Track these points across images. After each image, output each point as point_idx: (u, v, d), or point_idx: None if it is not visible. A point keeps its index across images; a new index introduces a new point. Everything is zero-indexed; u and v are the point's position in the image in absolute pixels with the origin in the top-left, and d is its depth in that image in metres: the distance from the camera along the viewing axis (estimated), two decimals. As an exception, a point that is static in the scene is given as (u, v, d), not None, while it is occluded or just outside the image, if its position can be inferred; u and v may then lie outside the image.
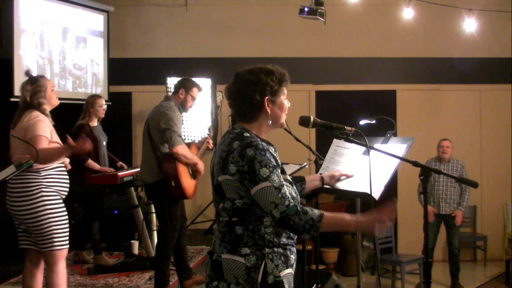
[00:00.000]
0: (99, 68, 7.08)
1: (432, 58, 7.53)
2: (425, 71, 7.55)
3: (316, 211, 2.08)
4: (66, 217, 3.68)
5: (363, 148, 2.66)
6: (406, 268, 6.05)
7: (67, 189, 3.74)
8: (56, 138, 3.69)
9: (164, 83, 6.65)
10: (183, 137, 4.51)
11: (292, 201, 2.09)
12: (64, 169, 3.74)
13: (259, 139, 2.18)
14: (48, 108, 3.72)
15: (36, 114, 3.63)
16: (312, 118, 2.48)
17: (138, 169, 5.57)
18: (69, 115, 5.92)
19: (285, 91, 2.27)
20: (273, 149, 2.20)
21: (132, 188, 5.68)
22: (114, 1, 7.10)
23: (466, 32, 6.80)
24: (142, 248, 5.72)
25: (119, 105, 7.24)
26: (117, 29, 7.31)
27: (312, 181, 2.57)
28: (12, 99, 5.92)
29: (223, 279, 2.13)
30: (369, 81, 7.49)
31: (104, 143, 5.70)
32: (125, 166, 5.78)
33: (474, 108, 7.57)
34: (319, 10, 5.69)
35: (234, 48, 7.35)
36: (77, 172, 5.52)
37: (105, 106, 5.70)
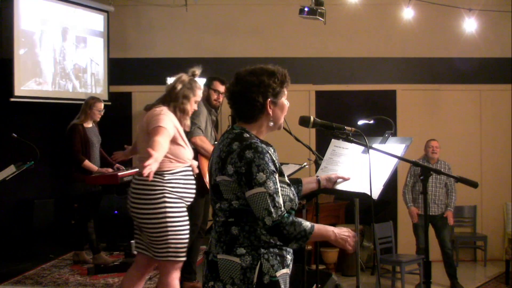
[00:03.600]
0: (99, 68, 7.08)
1: (432, 58, 7.53)
2: (425, 71, 7.55)
3: (308, 223, 2.10)
4: (187, 227, 3.40)
5: (361, 148, 2.66)
6: (406, 268, 6.04)
7: (192, 195, 3.49)
8: (184, 139, 3.49)
9: (164, 83, 6.63)
10: (213, 139, 4.69)
11: (284, 210, 2.08)
12: (190, 173, 3.50)
13: (258, 140, 2.17)
14: (186, 109, 3.49)
15: (163, 110, 3.42)
16: (312, 118, 2.48)
17: (138, 169, 5.58)
18: (69, 115, 5.92)
19: (286, 92, 2.27)
20: (272, 150, 2.19)
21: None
22: (114, 1, 7.10)
23: (466, 32, 6.79)
24: (142, 248, 5.71)
25: (119, 105, 7.24)
26: (117, 29, 7.31)
27: (308, 183, 2.56)
28: (12, 99, 5.93)
29: (219, 279, 2.13)
30: (369, 81, 7.49)
31: (97, 145, 5.70)
32: (121, 167, 5.78)
33: (474, 108, 7.57)
34: (319, 10, 5.68)
35: (234, 48, 7.35)
36: (71, 173, 5.53)
37: (103, 111, 5.70)
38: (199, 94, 3.59)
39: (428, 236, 5.90)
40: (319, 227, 2.14)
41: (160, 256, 3.37)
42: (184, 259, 3.43)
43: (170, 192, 3.34)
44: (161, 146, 3.15)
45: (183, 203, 3.41)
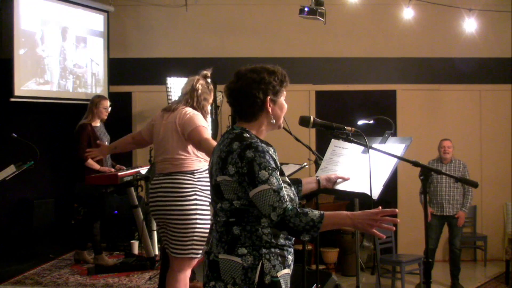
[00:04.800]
0: (99, 68, 7.08)
1: (432, 58, 7.53)
2: (425, 71, 7.55)
3: (316, 212, 2.07)
4: (209, 225, 3.54)
5: (361, 148, 2.66)
6: (406, 268, 6.05)
7: None
8: None
9: (164, 83, 6.65)
10: None
11: (289, 203, 2.09)
12: None
13: (258, 140, 2.18)
14: (207, 110, 3.68)
15: (195, 111, 3.59)
16: (312, 118, 2.48)
17: (138, 169, 5.59)
18: (69, 115, 5.93)
19: (285, 93, 2.27)
20: (272, 150, 2.19)
21: (132, 188, 5.68)
22: (114, 1, 7.10)
23: (466, 32, 6.80)
24: (142, 248, 5.72)
25: (119, 105, 7.22)
26: (117, 29, 7.31)
27: (308, 183, 2.56)
28: (12, 99, 5.93)
29: (220, 279, 2.13)
30: (369, 81, 7.49)
31: (106, 143, 5.71)
32: (123, 167, 5.78)
33: (474, 108, 7.57)
34: (319, 10, 5.69)
35: (234, 48, 7.35)
36: (78, 172, 5.53)
37: (109, 108, 5.73)
38: (212, 95, 3.78)
39: (431, 237, 5.88)
40: (331, 215, 2.08)
41: (181, 253, 3.50)
42: (201, 256, 3.56)
43: (200, 190, 3.51)
44: (214, 143, 3.29)
45: (209, 200, 3.55)
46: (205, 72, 3.72)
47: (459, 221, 6.16)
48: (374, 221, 2.08)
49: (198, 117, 3.53)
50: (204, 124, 3.49)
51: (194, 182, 3.48)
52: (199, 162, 3.54)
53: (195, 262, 3.59)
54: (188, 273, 3.57)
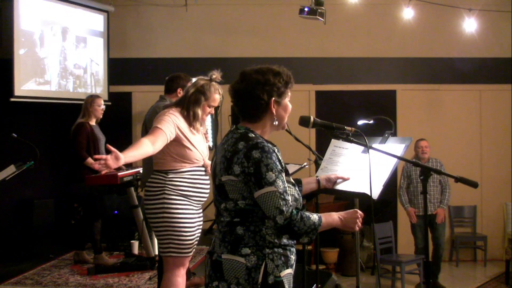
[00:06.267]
0: (99, 68, 7.08)
1: (432, 58, 7.53)
2: (425, 71, 7.55)
3: (315, 216, 2.14)
4: (191, 224, 3.44)
5: (361, 148, 2.66)
6: (406, 268, 6.05)
7: (203, 195, 3.52)
8: (191, 140, 3.47)
9: (164, 83, 6.65)
10: None
11: (294, 203, 2.12)
12: (200, 173, 3.51)
13: (264, 140, 2.18)
14: (196, 114, 3.49)
15: (170, 111, 3.45)
16: (312, 118, 2.48)
17: (138, 169, 5.58)
18: (69, 115, 5.93)
19: (289, 94, 2.27)
20: (276, 150, 2.19)
21: (132, 188, 5.68)
22: (114, 1, 7.10)
23: (466, 32, 6.80)
24: (142, 248, 5.72)
25: (119, 105, 7.24)
26: (117, 29, 7.31)
27: (308, 183, 2.57)
28: (12, 99, 5.93)
29: (223, 279, 2.13)
30: (369, 81, 7.49)
31: (103, 142, 5.71)
32: (123, 167, 5.78)
33: (474, 108, 7.57)
34: (319, 10, 5.69)
35: (234, 48, 7.35)
36: (76, 172, 5.53)
37: (103, 106, 5.71)
38: (215, 97, 3.59)
39: (418, 237, 5.89)
40: (326, 217, 2.19)
41: (162, 251, 3.46)
42: (186, 255, 3.46)
43: (170, 189, 3.40)
44: (141, 148, 3.14)
45: (187, 201, 3.44)
46: (212, 72, 3.63)
47: (438, 218, 6.16)
48: (356, 218, 2.25)
49: (166, 118, 3.37)
50: (164, 128, 3.31)
51: (164, 181, 3.40)
52: (174, 162, 3.42)
53: (184, 261, 3.49)
54: (177, 272, 3.46)
